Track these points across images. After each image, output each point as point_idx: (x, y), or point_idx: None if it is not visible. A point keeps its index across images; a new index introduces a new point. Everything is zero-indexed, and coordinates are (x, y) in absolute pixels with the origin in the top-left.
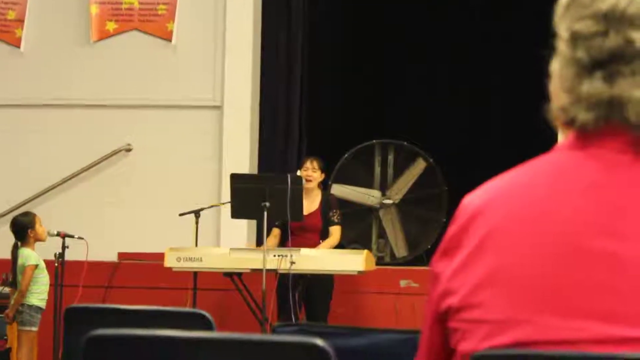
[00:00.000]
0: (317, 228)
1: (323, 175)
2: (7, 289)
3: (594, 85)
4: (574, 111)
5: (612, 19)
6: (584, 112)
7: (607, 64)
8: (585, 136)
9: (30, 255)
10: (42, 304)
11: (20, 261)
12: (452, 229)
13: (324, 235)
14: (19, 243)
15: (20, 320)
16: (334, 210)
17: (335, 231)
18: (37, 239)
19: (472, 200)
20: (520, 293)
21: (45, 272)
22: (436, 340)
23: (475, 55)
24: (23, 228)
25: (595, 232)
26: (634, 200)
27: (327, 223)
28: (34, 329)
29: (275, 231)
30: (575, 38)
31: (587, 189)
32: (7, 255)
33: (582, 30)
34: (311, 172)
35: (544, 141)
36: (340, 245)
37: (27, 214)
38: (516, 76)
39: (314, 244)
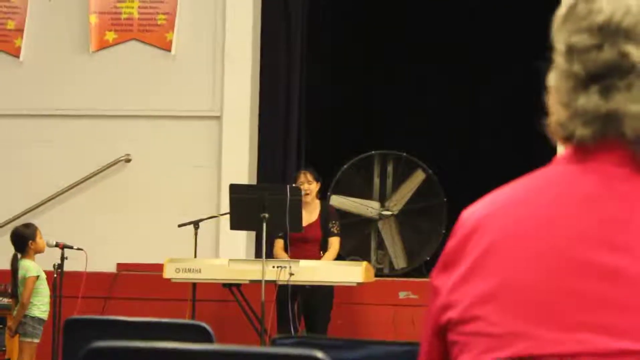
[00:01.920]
0: (316, 239)
1: (319, 185)
2: (5, 300)
3: (590, 100)
4: (571, 126)
5: (608, 32)
6: (581, 127)
7: (602, 78)
8: (583, 150)
9: (30, 267)
10: (44, 316)
11: (20, 273)
12: (451, 243)
13: (324, 246)
14: (19, 254)
15: (22, 331)
16: (333, 222)
17: (335, 242)
18: (37, 251)
19: (471, 214)
20: (520, 307)
21: (46, 283)
22: (435, 354)
23: (478, 61)
24: (24, 240)
25: (595, 245)
26: (632, 213)
27: (327, 234)
28: (36, 340)
29: (280, 242)
30: (571, 51)
31: (586, 202)
32: (6, 266)
33: (578, 43)
34: (307, 186)
35: (545, 152)
36: (339, 257)
37: (28, 225)
38: (518, 86)
39: (313, 255)
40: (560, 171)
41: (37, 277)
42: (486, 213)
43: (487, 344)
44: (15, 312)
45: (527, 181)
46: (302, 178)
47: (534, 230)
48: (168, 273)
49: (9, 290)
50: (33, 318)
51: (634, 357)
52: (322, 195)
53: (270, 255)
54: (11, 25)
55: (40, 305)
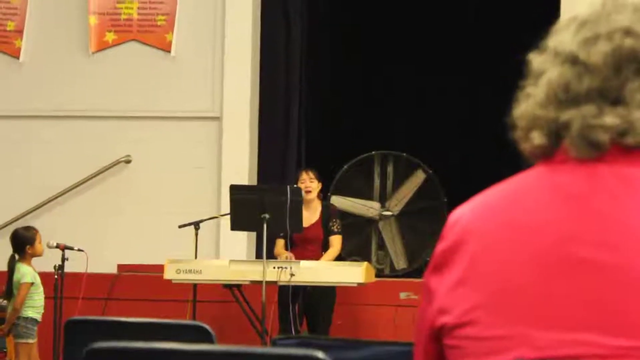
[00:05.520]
0: (318, 239)
1: (320, 185)
2: (2, 301)
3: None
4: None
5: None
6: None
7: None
8: (565, 149)
9: (26, 273)
10: (38, 317)
11: (16, 277)
12: (441, 245)
13: (326, 246)
14: (17, 256)
15: (15, 333)
16: (334, 220)
17: (336, 241)
18: (35, 255)
19: (460, 216)
20: (516, 309)
21: (41, 288)
22: (431, 357)
23: (481, 63)
24: (22, 243)
25: (585, 243)
26: (619, 209)
27: (328, 233)
28: (31, 340)
29: (281, 242)
30: None
31: (571, 200)
32: (3, 267)
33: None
34: (309, 183)
35: None
36: (339, 257)
37: (28, 228)
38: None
39: (315, 255)
40: (547, 170)
41: (32, 283)
42: (475, 215)
43: (488, 348)
44: (7, 315)
45: (514, 182)
46: (304, 176)
47: (524, 232)
48: (169, 274)
49: (4, 290)
50: (26, 319)
51: (634, 355)
52: (323, 196)
53: (271, 255)
54: (11, 26)
55: (33, 307)
